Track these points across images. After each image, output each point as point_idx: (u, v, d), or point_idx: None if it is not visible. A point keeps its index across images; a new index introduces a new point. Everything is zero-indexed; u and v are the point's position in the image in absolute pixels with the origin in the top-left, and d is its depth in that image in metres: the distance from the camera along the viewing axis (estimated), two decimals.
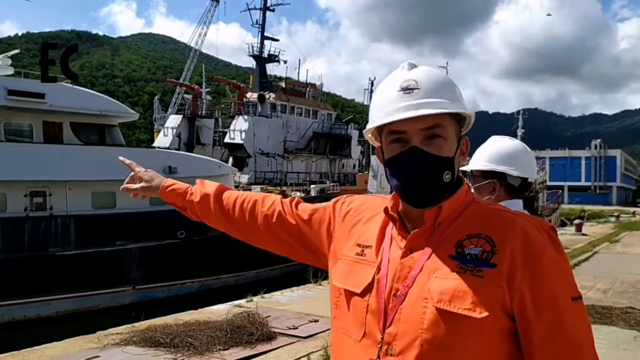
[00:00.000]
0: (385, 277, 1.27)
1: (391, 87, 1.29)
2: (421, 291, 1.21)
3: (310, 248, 1.53)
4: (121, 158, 1.89)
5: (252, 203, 1.61)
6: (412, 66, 1.31)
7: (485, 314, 1.14)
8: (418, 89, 1.25)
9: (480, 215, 1.28)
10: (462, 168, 2.78)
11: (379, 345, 1.23)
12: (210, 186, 1.70)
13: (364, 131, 1.40)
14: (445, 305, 1.17)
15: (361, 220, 1.43)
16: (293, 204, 1.58)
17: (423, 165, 1.25)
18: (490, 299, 1.15)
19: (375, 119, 1.30)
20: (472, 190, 2.68)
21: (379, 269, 1.29)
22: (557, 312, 1.16)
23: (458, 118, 1.30)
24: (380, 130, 1.33)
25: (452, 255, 1.23)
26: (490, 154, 2.68)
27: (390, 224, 1.35)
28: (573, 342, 1.17)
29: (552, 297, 1.17)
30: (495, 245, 1.20)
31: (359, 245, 1.37)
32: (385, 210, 1.36)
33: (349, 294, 1.32)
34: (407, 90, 1.26)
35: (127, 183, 1.84)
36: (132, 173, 1.85)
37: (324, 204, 1.55)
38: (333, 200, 1.54)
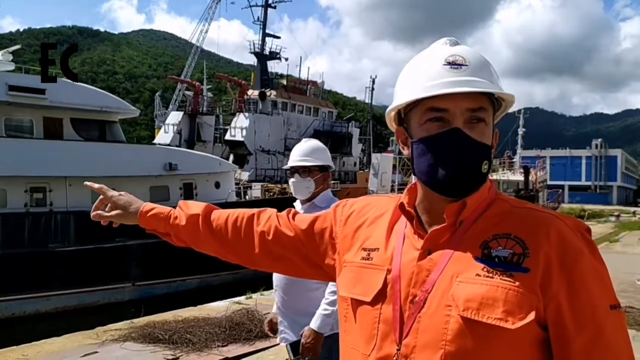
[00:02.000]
0: (398, 281, 1.14)
1: (434, 61, 1.14)
2: (443, 297, 1.07)
3: (314, 261, 1.39)
4: (88, 183, 1.65)
5: (245, 221, 1.45)
6: (455, 43, 1.19)
7: (518, 324, 1.01)
8: (466, 65, 1.12)
9: (507, 213, 1.14)
10: (292, 164, 2.99)
11: (394, 359, 1.10)
12: (196, 207, 1.53)
13: (388, 108, 1.22)
14: (472, 315, 1.03)
15: (365, 222, 1.29)
16: (290, 215, 1.45)
17: (466, 149, 1.11)
18: (523, 308, 1.02)
19: (415, 91, 1.13)
20: (313, 184, 2.90)
21: (389, 272, 1.16)
22: (597, 323, 1.04)
23: (494, 106, 1.18)
24: (409, 108, 1.17)
25: (478, 257, 1.09)
26: (313, 151, 3.00)
27: (402, 222, 1.22)
28: (613, 355, 1.05)
29: (591, 307, 1.05)
30: (527, 248, 1.07)
31: (364, 249, 1.24)
32: (401, 206, 1.22)
33: (357, 303, 1.19)
34: (454, 65, 1.12)
35: (97, 209, 1.59)
36: (102, 197, 1.60)
37: (323, 211, 1.43)
38: (334, 205, 1.42)
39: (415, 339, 1.08)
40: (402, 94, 1.17)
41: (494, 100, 1.17)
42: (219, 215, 1.50)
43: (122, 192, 1.62)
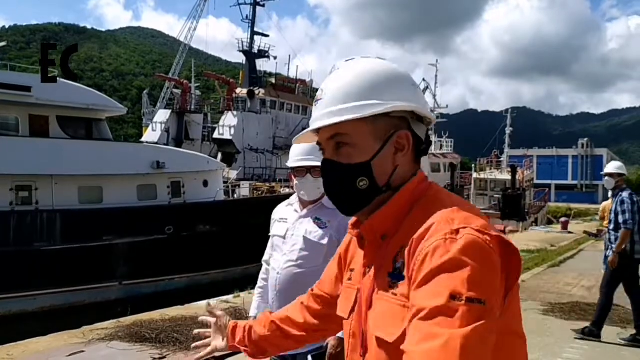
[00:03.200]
0: (361, 298, 1.22)
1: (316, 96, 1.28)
2: (371, 315, 1.16)
3: None
4: (210, 308, 1.77)
5: (294, 307, 1.60)
6: (338, 67, 1.25)
7: (394, 337, 1.06)
8: (322, 99, 1.22)
9: (416, 220, 1.12)
10: (296, 164, 2.77)
11: None
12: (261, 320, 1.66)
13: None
14: (378, 333, 1.11)
15: (353, 240, 1.37)
16: (315, 285, 1.56)
17: (331, 174, 1.23)
18: (401, 315, 1.06)
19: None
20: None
21: (359, 290, 1.24)
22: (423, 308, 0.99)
23: (386, 114, 1.18)
24: None
25: (389, 271, 1.14)
26: (311, 150, 2.77)
27: None
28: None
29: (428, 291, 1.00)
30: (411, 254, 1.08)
31: (350, 269, 1.34)
32: (352, 224, 1.30)
33: (342, 320, 1.31)
34: (316, 102, 1.25)
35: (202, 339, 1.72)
36: (214, 319, 1.72)
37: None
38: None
39: (371, 354, 1.15)
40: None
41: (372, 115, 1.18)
42: (278, 314, 1.63)
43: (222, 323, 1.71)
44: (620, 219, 6.40)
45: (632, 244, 6.38)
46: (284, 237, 2.86)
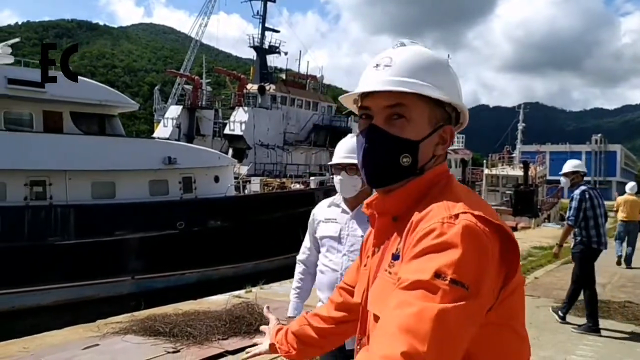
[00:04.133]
0: (369, 279, 1.27)
1: (369, 64, 1.27)
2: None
3: None
4: (266, 312, 1.91)
5: (324, 305, 1.66)
6: (402, 44, 1.28)
7: None
8: (389, 66, 1.21)
9: (426, 206, 1.14)
10: (339, 161, 2.81)
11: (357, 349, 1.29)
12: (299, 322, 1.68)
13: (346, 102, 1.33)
14: (373, 310, 1.16)
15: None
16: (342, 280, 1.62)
17: (378, 144, 1.20)
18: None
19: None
20: (359, 182, 2.76)
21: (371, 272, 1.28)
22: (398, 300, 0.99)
23: (441, 104, 1.22)
24: None
25: (394, 253, 1.16)
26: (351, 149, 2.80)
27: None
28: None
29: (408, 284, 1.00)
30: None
31: (367, 256, 1.36)
32: (367, 204, 1.30)
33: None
34: (377, 66, 1.23)
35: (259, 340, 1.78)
36: (273, 325, 1.80)
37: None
38: None
39: (370, 332, 1.21)
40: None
41: (434, 99, 1.20)
42: (316, 311, 1.66)
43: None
44: (566, 214, 6.91)
45: (589, 237, 6.68)
46: (338, 238, 2.88)
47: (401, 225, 1.17)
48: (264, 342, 1.72)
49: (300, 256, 3.12)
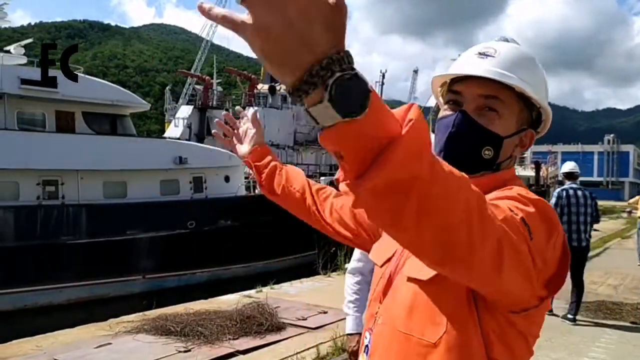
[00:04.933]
0: (401, 251, 1.23)
1: (470, 51, 1.25)
2: (405, 264, 1.19)
3: (360, 224, 1.48)
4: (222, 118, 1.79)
5: (327, 194, 1.60)
6: (504, 39, 1.28)
7: (430, 275, 1.07)
8: (493, 56, 1.20)
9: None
10: None
11: (374, 318, 1.22)
12: (296, 169, 1.75)
13: (433, 80, 1.31)
14: (412, 274, 1.13)
15: None
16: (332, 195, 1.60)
17: (465, 131, 1.17)
18: None
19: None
20: None
21: None
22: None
23: (529, 106, 1.22)
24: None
25: None
26: None
27: None
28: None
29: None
30: None
31: None
32: None
33: (375, 265, 1.32)
34: (482, 54, 1.21)
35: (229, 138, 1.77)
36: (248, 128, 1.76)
37: None
38: None
39: (388, 300, 1.19)
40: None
41: (526, 99, 1.20)
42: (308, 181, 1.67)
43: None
44: None
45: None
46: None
47: None
48: (242, 144, 1.75)
49: (353, 264, 2.94)
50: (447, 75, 1.25)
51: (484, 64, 1.18)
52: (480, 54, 1.21)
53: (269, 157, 1.72)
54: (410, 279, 1.14)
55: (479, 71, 1.17)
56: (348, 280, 2.95)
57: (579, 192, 7.12)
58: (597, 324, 7.19)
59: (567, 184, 7.32)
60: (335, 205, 1.54)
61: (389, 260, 1.26)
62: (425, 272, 1.07)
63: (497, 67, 1.18)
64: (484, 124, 1.17)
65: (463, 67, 1.20)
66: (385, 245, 1.29)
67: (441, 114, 1.23)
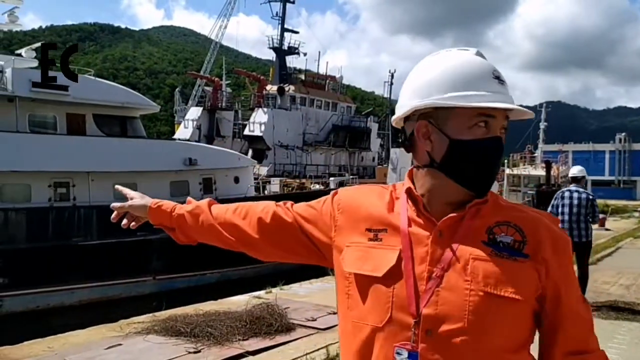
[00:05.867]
0: (411, 259, 1.24)
1: (482, 72, 1.29)
2: (461, 274, 1.21)
3: (315, 244, 1.45)
4: (118, 187, 1.91)
5: (245, 209, 1.55)
6: (480, 54, 1.35)
7: (526, 298, 1.22)
8: (504, 81, 1.31)
9: (501, 206, 1.33)
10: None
11: (412, 329, 1.20)
12: (200, 201, 1.65)
13: (424, 103, 1.27)
14: (492, 289, 1.20)
15: (361, 206, 1.37)
16: (288, 204, 1.53)
17: (499, 155, 1.30)
18: (530, 285, 1.23)
19: (469, 97, 1.24)
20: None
21: (401, 251, 1.26)
22: (577, 298, 1.31)
23: None
24: (445, 107, 1.26)
25: (485, 240, 1.25)
26: None
27: (400, 206, 1.33)
28: (581, 317, 1.30)
29: (576, 287, 1.32)
30: (525, 236, 1.25)
31: (369, 230, 1.32)
32: (408, 190, 1.33)
33: (366, 280, 1.27)
34: (501, 81, 1.30)
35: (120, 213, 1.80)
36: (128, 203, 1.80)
37: (321, 198, 1.50)
38: (331, 193, 1.49)
39: (436, 310, 1.20)
40: (441, 92, 1.26)
41: None
42: (220, 206, 1.61)
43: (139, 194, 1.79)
44: None
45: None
46: None
47: (475, 215, 1.28)
48: (135, 201, 1.75)
49: None
50: (500, 106, 1.26)
51: (508, 92, 1.30)
52: (496, 78, 1.29)
53: (166, 210, 1.69)
54: (488, 294, 1.21)
55: (514, 104, 1.29)
56: None
57: (576, 194, 7.84)
58: (609, 324, 7.12)
59: (573, 187, 8.06)
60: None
61: (392, 271, 1.25)
62: (517, 291, 1.21)
63: (509, 93, 1.31)
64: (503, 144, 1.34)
65: (496, 97, 1.26)
66: (377, 256, 1.28)
67: (473, 135, 1.25)
